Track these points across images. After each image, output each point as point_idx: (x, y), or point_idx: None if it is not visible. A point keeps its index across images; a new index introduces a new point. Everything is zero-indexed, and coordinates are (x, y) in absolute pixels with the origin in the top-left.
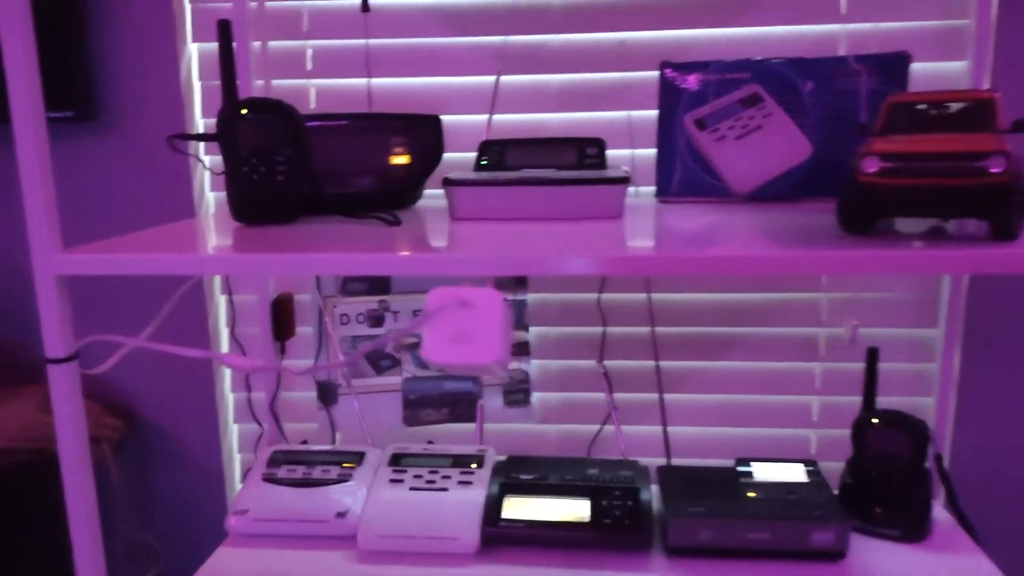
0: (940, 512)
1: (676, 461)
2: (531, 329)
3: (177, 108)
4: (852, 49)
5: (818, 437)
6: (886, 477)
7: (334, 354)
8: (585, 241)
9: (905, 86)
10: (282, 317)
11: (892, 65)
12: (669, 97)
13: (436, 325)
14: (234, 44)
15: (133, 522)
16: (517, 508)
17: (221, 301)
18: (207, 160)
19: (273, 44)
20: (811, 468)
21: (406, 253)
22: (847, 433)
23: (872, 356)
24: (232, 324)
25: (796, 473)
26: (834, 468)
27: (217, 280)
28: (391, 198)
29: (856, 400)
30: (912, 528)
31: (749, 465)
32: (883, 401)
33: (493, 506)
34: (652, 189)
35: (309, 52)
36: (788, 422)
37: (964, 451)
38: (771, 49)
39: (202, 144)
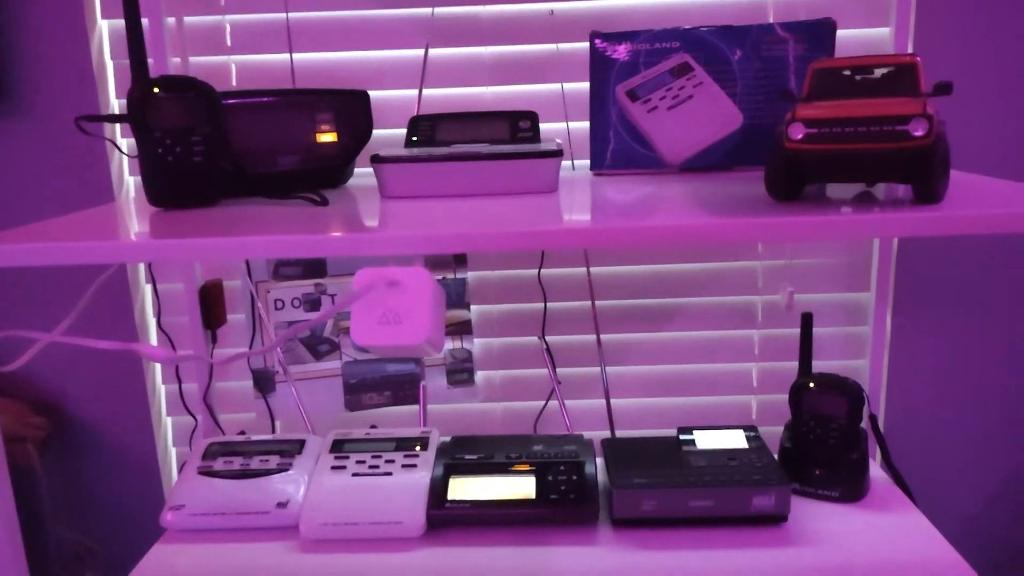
0: (876, 471)
1: (620, 433)
2: (472, 307)
3: (89, 88)
4: (779, 17)
5: (758, 403)
6: (823, 439)
7: (269, 341)
8: (520, 216)
9: (831, 52)
10: (211, 305)
11: (818, 32)
12: (600, 68)
13: (363, 306)
14: (144, 20)
15: (65, 523)
16: (462, 488)
17: (146, 290)
18: (124, 144)
19: (189, 20)
20: (751, 434)
21: (337, 234)
22: (786, 398)
23: (807, 321)
24: (158, 314)
25: (737, 440)
26: (775, 433)
27: (141, 268)
28: (319, 177)
29: (794, 365)
30: (850, 488)
31: (691, 434)
32: (819, 365)
33: (438, 488)
34: (587, 162)
35: (227, 27)
36: (729, 390)
37: (896, 411)
38: (701, 18)
39: (118, 126)
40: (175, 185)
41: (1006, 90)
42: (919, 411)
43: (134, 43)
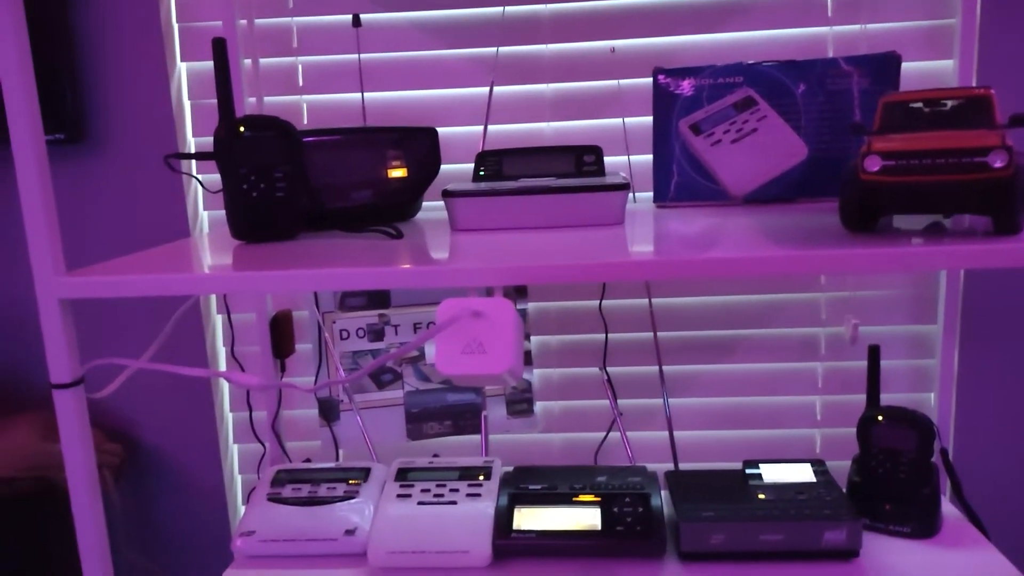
0: (947, 507)
1: (683, 465)
2: (532, 338)
3: (168, 128)
4: (839, 51)
5: (822, 436)
6: (893, 474)
7: (335, 370)
8: (587, 248)
9: (896, 86)
10: (281, 334)
11: (883, 65)
12: (663, 102)
13: (448, 336)
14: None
15: (135, 548)
16: (528, 519)
17: (218, 321)
18: (202, 179)
19: (264, 61)
20: (819, 468)
21: (407, 266)
22: (850, 432)
23: (874, 353)
24: (231, 343)
25: (804, 473)
26: (839, 467)
27: (213, 299)
28: (390, 211)
29: (858, 398)
30: (922, 524)
31: (757, 467)
32: (884, 398)
33: (503, 517)
34: (649, 195)
35: (300, 68)
36: (792, 423)
37: (965, 445)
38: (760, 53)
39: (194, 163)
40: (258, 220)
41: None
42: (989, 445)
43: (222, 85)
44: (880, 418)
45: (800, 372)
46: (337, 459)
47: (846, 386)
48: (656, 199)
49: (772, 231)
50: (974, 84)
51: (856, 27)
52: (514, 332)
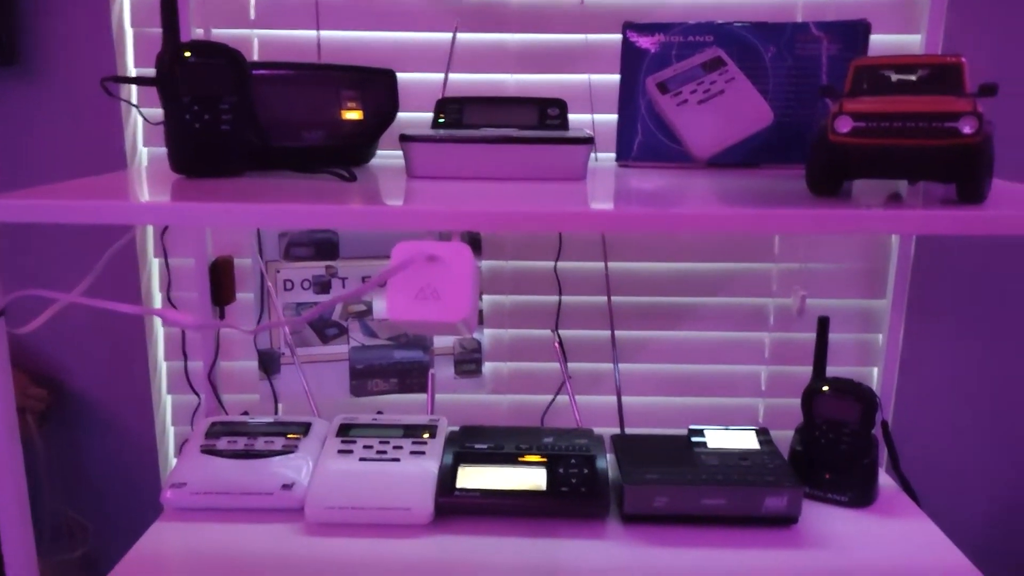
0: (884, 477)
1: (629, 430)
2: (484, 297)
3: (107, 56)
4: (807, 17)
5: (766, 406)
6: (835, 444)
7: (278, 320)
8: (546, 199)
9: (865, 54)
10: (221, 281)
11: (853, 33)
12: (631, 59)
13: (401, 280)
14: None
15: (59, 497)
16: (472, 477)
17: (154, 264)
18: (138, 110)
19: None
20: (763, 436)
21: (356, 206)
22: (793, 402)
23: (823, 325)
24: (167, 287)
25: (748, 440)
26: (781, 437)
27: (150, 241)
28: (343, 155)
29: (802, 370)
30: (860, 493)
31: (702, 433)
32: (828, 371)
33: (447, 476)
34: (611, 155)
35: (252, 0)
36: (737, 391)
37: (903, 418)
38: (730, 14)
39: (134, 91)
40: (201, 153)
41: None
42: (925, 418)
43: (167, 6)
44: (825, 389)
45: (748, 341)
46: (276, 414)
47: (791, 357)
48: (619, 158)
49: (735, 193)
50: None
51: None
52: (471, 280)
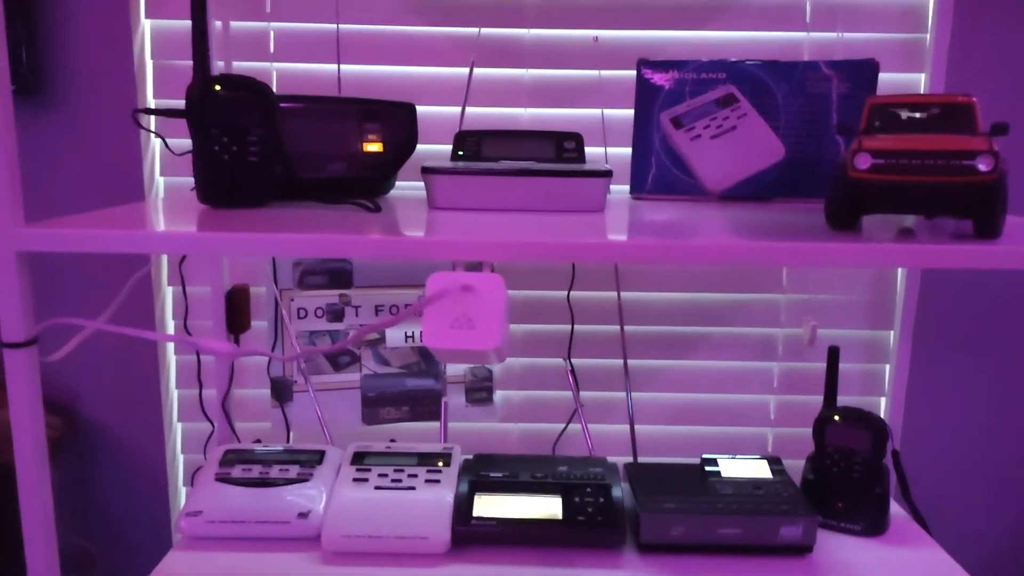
0: (894, 506)
1: (640, 459)
2: None
3: (128, 87)
4: (814, 56)
5: (774, 435)
6: (847, 473)
7: (291, 348)
8: (566, 231)
9: (874, 92)
10: (237, 309)
11: (862, 71)
12: (645, 94)
13: (437, 310)
14: (188, 22)
15: (71, 526)
16: (488, 506)
17: (168, 292)
18: (163, 141)
19: (235, 24)
20: (775, 465)
21: (380, 236)
22: (801, 431)
23: (833, 354)
24: (184, 316)
25: (761, 469)
26: (790, 466)
27: (164, 269)
28: (363, 185)
29: (810, 399)
30: (872, 522)
31: (716, 462)
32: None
33: (463, 504)
34: (624, 187)
35: (272, 34)
36: (747, 421)
37: (911, 447)
38: (739, 53)
39: (153, 121)
40: (228, 183)
41: None
42: (932, 447)
43: (198, 40)
44: (836, 418)
45: (757, 371)
46: (288, 442)
47: (799, 387)
48: (633, 190)
49: (748, 226)
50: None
51: (832, 35)
52: (503, 309)
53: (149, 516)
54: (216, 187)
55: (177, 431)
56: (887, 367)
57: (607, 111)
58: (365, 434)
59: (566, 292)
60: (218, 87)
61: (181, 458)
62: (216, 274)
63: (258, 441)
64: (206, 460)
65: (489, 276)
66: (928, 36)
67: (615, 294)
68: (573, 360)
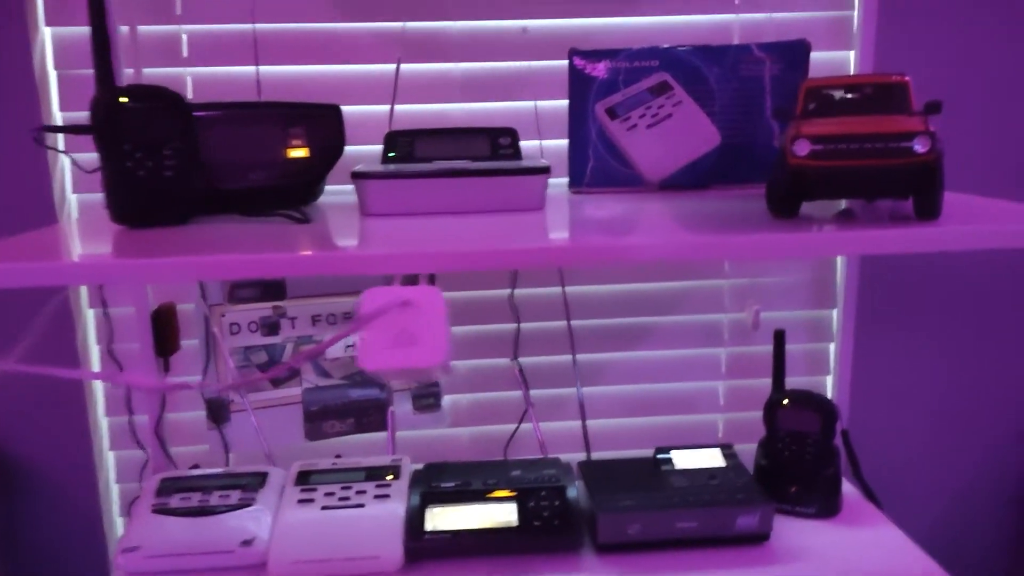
0: (846, 485)
1: (593, 454)
2: None
3: (31, 100)
4: (744, 36)
5: (725, 421)
6: (799, 456)
7: (225, 367)
8: (507, 234)
9: (806, 73)
10: (164, 330)
11: (793, 53)
12: (579, 85)
13: (375, 329)
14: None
15: (1, 565)
16: (441, 518)
17: (90, 315)
18: (69, 157)
19: (143, 28)
20: (727, 452)
21: (311, 252)
22: (751, 415)
23: (779, 338)
24: (108, 340)
25: (715, 458)
26: (742, 451)
27: (84, 292)
28: (290, 194)
29: (759, 383)
30: (826, 504)
31: (668, 453)
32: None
33: (415, 519)
34: (562, 180)
35: (184, 37)
36: (697, 408)
37: (858, 425)
38: (669, 38)
39: (60, 138)
40: (144, 202)
41: (964, 115)
42: (880, 424)
43: (99, 49)
44: (786, 402)
45: (704, 358)
46: (227, 464)
47: (747, 371)
48: (572, 184)
49: (692, 217)
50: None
51: (762, 16)
52: (445, 321)
53: (84, 551)
54: (131, 207)
55: (109, 460)
56: (832, 346)
57: (541, 103)
58: (309, 451)
59: (509, 291)
60: (125, 99)
61: (116, 488)
62: (140, 294)
63: (196, 466)
64: (142, 490)
65: (428, 289)
66: (856, 14)
67: (560, 289)
68: (521, 358)
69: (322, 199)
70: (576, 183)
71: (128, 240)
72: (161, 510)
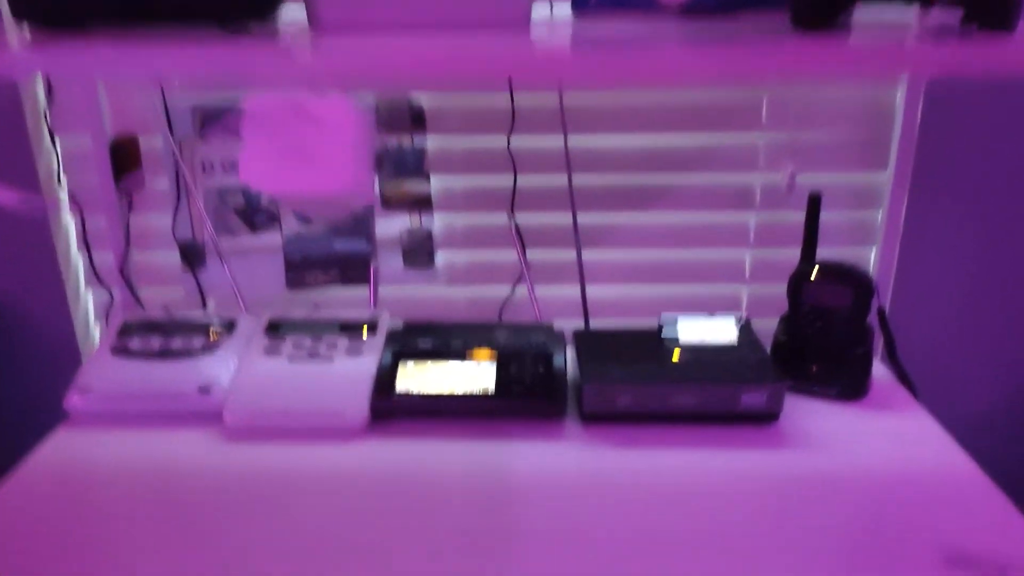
0: (879, 369)
1: (595, 324)
2: (433, 179)
3: None
4: None
5: (750, 294)
6: (824, 333)
7: (197, 211)
8: (483, 49)
9: None
10: (125, 164)
11: None
12: None
13: (259, 141)
14: None
15: None
16: (413, 378)
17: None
18: None
19: None
20: (743, 325)
21: (268, 54)
22: (781, 289)
23: (814, 202)
24: (58, 171)
25: (726, 331)
26: (766, 328)
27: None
28: (236, 8)
29: (791, 253)
30: (851, 386)
31: (675, 324)
32: (821, 253)
33: (385, 376)
34: (564, 3)
35: None
36: (718, 278)
37: (904, 305)
38: None
39: None
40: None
41: None
42: (929, 304)
43: None
44: (814, 273)
45: (730, 223)
46: (206, 309)
47: (779, 239)
48: (574, 6)
49: (712, 40)
50: None
51: None
52: (354, 140)
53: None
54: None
55: (88, 299)
56: (879, 214)
57: None
58: (291, 301)
59: (506, 136)
60: None
61: (98, 328)
62: (95, 120)
63: (167, 308)
64: (104, 331)
65: (338, 101)
66: None
67: (562, 136)
68: (520, 216)
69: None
70: (580, 4)
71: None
72: (120, 351)
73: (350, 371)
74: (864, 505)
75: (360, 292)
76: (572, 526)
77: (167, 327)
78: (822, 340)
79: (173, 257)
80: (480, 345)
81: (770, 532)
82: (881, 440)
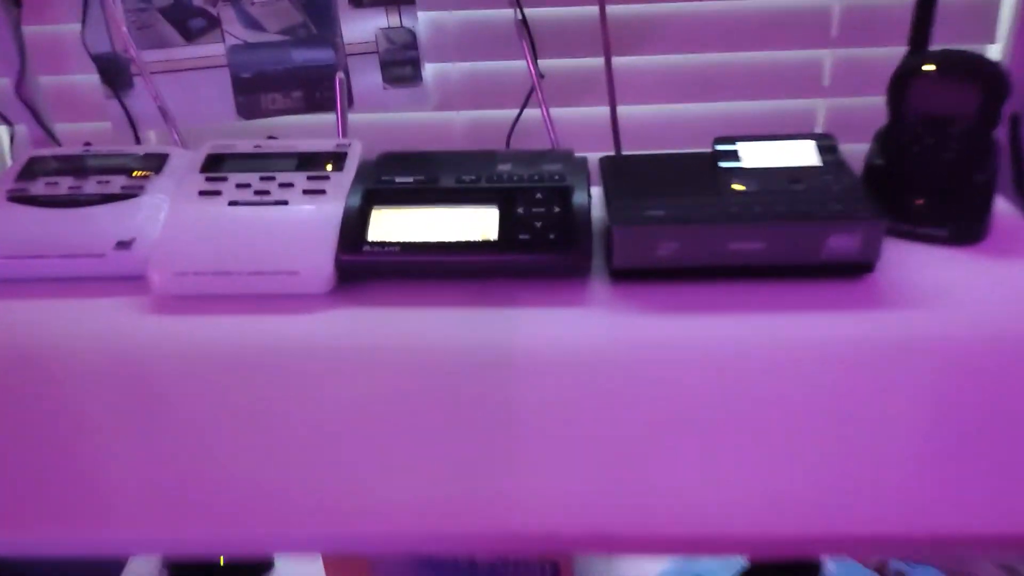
0: (1001, 204)
1: (627, 151)
2: None
3: None
4: None
5: (829, 108)
6: (935, 153)
7: (114, 22)
8: None
9: None
10: None
11: None
12: None
13: None
14: None
15: None
16: (390, 225)
17: None
18: None
19: None
20: (825, 144)
21: None
22: (871, 102)
23: None
24: None
25: (804, 155)
26: (854, 152)
27: None
28: None
29: (886, 52)
30: (967, 226)
31: (734, 145)
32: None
33: (354, 224)
34: None
35: None
36: (787, 88)
37: None
38: None
39: None
40: None
41: None
42: None
43: None
44: (927, 67)
45: (804, 13)
46: (139, 144)
47: (870, 35)
48: None
49: None
50: None
51: None
52: None
53: None
54: None
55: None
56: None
57: None
58: (244, 131)
59: None
60: None
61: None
62: None
63: (88, 145)
64: (3, 172)
65: None
66: None
67: None
68: (529, 8)
69: None
70: None
71: None
72: (18, 197)
73: (308, 217)
74: (986, 378)
75: (328, 120)
76: (598, 416)
77: (79, 167)
78: (932, 161)
79: (93, 79)
80: (478, 179)
81: (865, 419)
82: (1006, 294)
